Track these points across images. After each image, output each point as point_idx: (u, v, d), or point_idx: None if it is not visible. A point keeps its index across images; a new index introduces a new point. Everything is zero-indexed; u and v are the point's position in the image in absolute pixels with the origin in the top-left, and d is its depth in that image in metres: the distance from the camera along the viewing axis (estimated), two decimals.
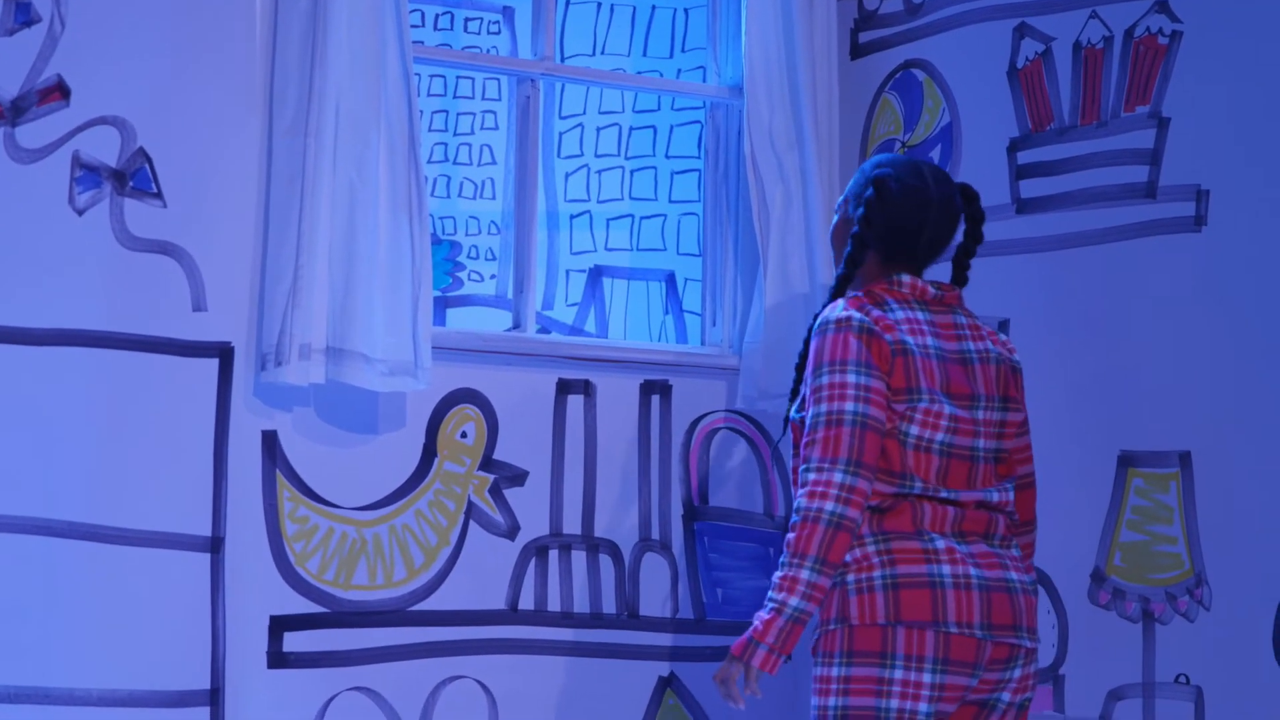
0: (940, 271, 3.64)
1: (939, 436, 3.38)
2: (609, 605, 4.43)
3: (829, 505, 3.28)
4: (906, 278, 3.48)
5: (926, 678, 3.26)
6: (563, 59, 4.76)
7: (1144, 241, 4.00)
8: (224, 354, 4.06)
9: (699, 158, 4.84)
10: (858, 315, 3.38)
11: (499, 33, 4.75)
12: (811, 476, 3.30)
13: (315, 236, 4.00)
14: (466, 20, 4.75)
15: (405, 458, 4.24)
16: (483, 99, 4.76)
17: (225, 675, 3.99)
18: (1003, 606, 3.33)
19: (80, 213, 3.93)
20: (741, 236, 4.72)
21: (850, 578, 3.32)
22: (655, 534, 4.51)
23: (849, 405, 3.32)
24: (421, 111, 4.47)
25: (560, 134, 4.84)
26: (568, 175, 4.83)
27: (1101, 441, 4.02)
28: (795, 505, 3.32)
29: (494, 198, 4.72)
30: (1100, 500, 4.02)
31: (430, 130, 4.70)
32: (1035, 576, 3.53)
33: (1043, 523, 3.66)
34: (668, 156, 4.89)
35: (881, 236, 3.50)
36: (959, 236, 3.58)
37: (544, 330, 4.67)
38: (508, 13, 4.75)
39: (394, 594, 4.21)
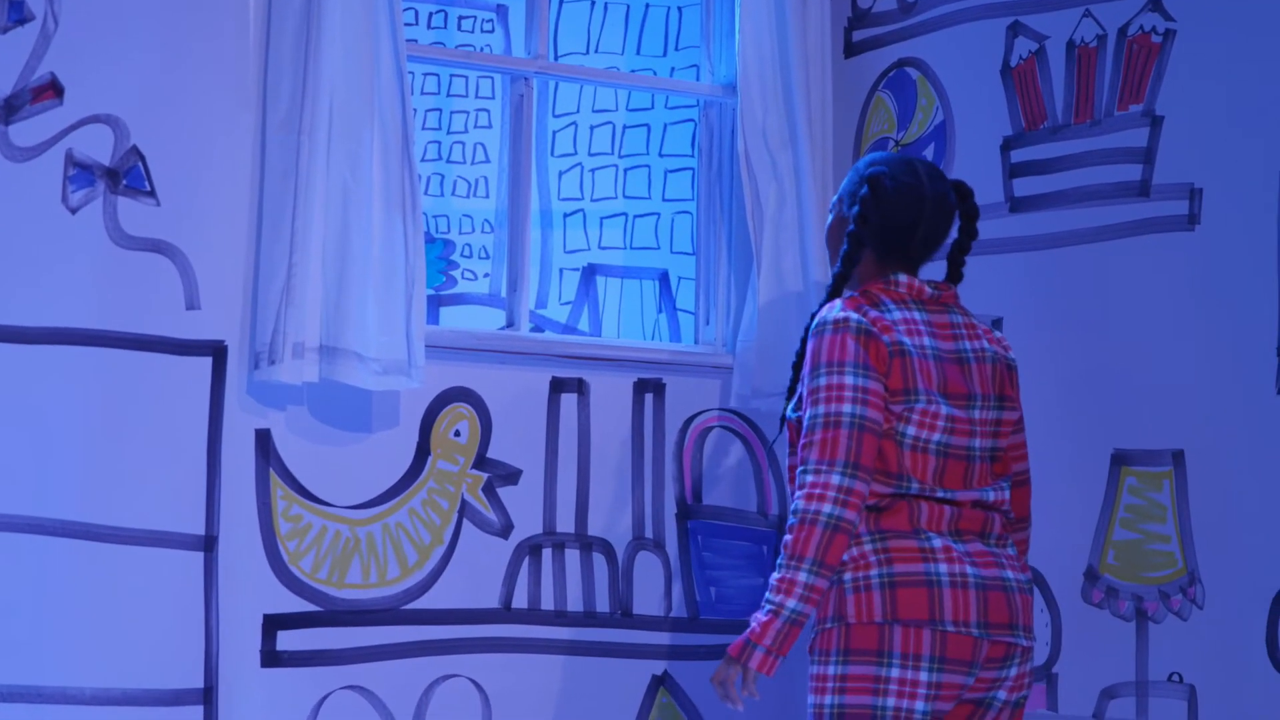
0: (935, 269, 3.64)
1: (935, 437, 3.38)
2: (602, 604, 4.43)
3: (826, 507, 3.28)
4: (903, 277, 3.48)
5: (923, 676, 3.26)
6: (556, 57, 4.76)
7: (1137, 240, 4.00)
8: (217, 352, 4.05)
9: (692, 156, 4.85)
10: (855, 316, 3.38)
11: (493, 31, 4.75)
12: (809, 478, 3.31)
13: (308, 235, 4.00)
14: (460, 18, 4.75)
15: (399, 456, 4.24)
16: (476, 97, 4.76)
17: (218, 674, 3.99)
18: (999, 605, 3.33)
19: (74, 211, 3.92)
20: (735, 235, 4.72)
21: (847, 576, 3.32)
22: (649, 533, 4.51)
23: (846, 407, 3.32)
24: (415, 110, 4.46)
25: (554, 132, 4.84)
26: (561, 174, 4.83)
27: (1095, 440, 4.03)
28: (793, 507, 3.32)
29: (487, 196, 4.72)
30: (1093, 499, 4.02)
31: (424, 128, 4.70)
32: (1031, 575, 3.53)
33: (1036, 521, 3.67)
34: (661, 155, 4.89)
35: (877, 234, 3.50)
36: (953, 233, 3.59)
37: (537, 329, 4.67)
38: (501, 11, 4.75)
39: (387, 593, 4.21)
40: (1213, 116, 3.88)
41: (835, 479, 3.29)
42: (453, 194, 4.73)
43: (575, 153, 4.85)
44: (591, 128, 4.87)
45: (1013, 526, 3.53)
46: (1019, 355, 3.63)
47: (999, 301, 4.20)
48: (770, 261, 4.54)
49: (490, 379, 4.35)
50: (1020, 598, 3.38)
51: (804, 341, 3.48)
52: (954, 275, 3.60)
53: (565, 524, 4.41)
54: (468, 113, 4.75)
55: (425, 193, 4.64)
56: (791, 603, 3.27)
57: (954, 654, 3.28)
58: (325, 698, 4.12)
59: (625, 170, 4.87)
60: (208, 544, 4.00)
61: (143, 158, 3.99)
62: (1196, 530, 3.83)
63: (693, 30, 4.88)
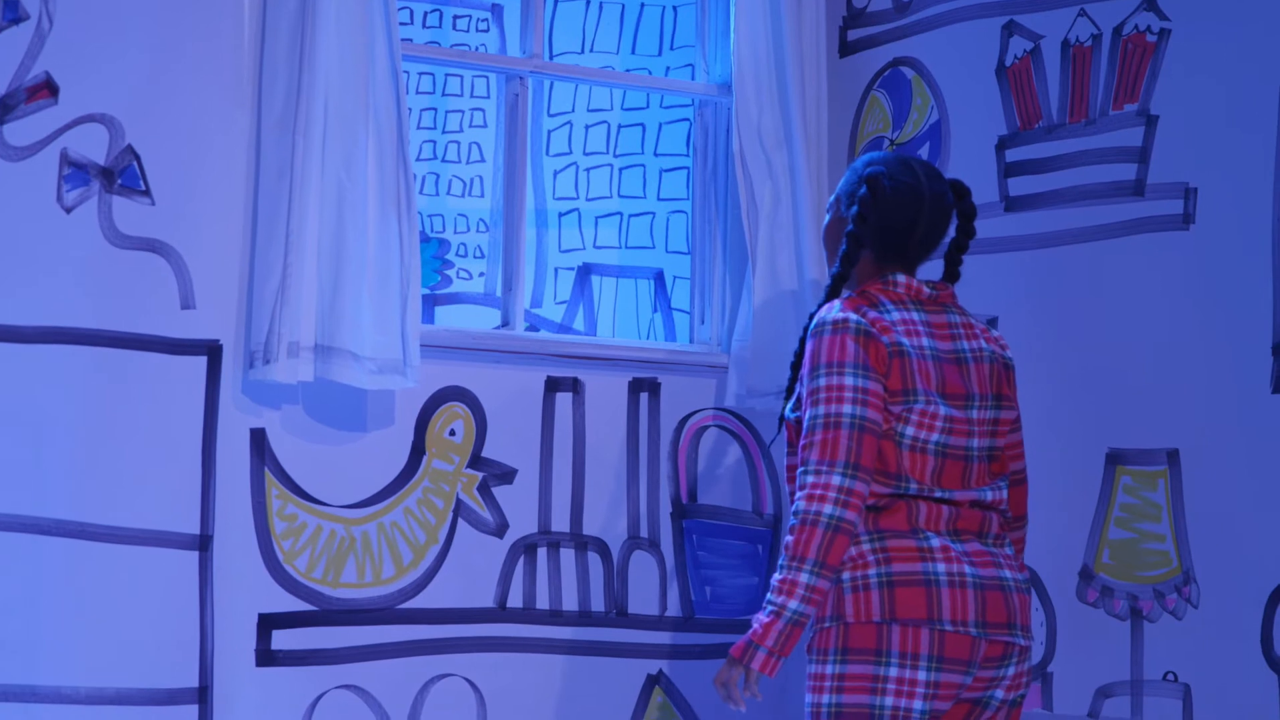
0: (932, 269, 3.64)
1: (934, 437, 3.38)
2: (598, 603, 4.43)
3: (827, 508, 3.28)
4: (902, 278, 3.48)
5: (921, 675, 3.26)
6: (551, 56, 4.75)
7: (1132, 239, 4.00)
8: (212, 352, 4.05)
9: (687, 155, 4.84)
10: (854, 317, 3.38)
11: (487, 30, 4.74)
12: (810, 479, 3.31)
13: (304, 234, 4.00)
14: (455, 18, 4.74)
15: (394, 455, 4.24)
16: (471, 96, 4.75)
17: (213, 673, 3.99)
18: (997, 604, 3.33)
19: (68, 210, 3.92)
20: (730, 234, 4.72)
21: (846, 576, 3.33)
22: (644, 532, 4.51)
23: (847, 408, 3.32)
24: (410, 109, 4.46)
25: (549, 131, 4.84)
26: (556, 173, 4.83)
27: (1090, 439, 4.03)
28: (794, 509, 3.32)
29: (482, 195, 4.72)
30: (1088, 498, 4.02)
31: (419, 128, 4.70)
32: (1028, 574, 3.53)
33: (1031, 520, 3.67)
34: (656, 154, 4.89)
35: (876, 235, 3.50)
36: (950, 233, 3.59)
37: (532, 328, 4.66)
38: (496, 10, 4.74)
39: (382, 592, 4.20)
40: (1208, 116, 3.88)
41: (836, 480, 3.29)
42: (448, 193, 4.73)
43: (570, 152, 4.85)
44: (586, 127, 4.86)
45: (1010, 525, 3.53)
46: (1013, 354, 3.63)
47: (994, 301, 4.20)
48: (765, 261, 4.53)
49: (485, 378, 4.35)
50: (1018, 597, 3.38)
51: (802, 342, 3.48)
52: (951, 275, 3.60)
53: (560, 523, 4.41)
54: (463, 112, 4.75)
55: (420, 192, 4.64)
56: (793, 604, 3.27)
57: (952, 653, 3.28)
58: (320, 697, 4.12)
59: (620, 169, 4.87)
60: (203, 543, 4.00)
61: (138, 157, 3.98)
62: (1191, 529, 3.84)
63: (688, 30, 4.87)
